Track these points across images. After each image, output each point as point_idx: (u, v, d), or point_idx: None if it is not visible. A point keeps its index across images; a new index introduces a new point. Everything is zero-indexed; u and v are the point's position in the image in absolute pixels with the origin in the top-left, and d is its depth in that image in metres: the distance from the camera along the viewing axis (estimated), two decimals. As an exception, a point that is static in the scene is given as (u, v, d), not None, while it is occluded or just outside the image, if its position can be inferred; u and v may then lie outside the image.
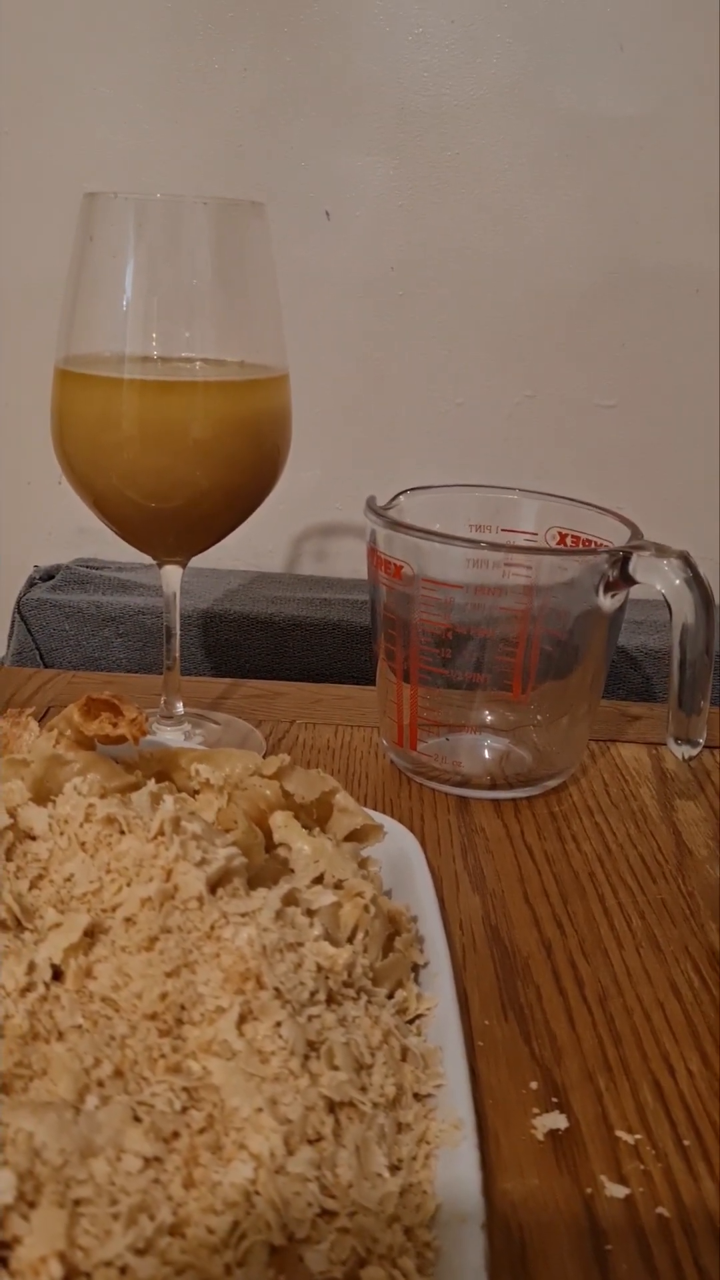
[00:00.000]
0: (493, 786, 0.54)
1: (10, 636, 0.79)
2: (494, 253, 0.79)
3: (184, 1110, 0.27)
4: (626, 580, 0.50)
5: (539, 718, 0.56)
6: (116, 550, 0.88)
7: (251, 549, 0.86)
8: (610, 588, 0.51)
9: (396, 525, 0.52)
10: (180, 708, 0.57)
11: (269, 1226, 0.25)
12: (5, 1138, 0.25)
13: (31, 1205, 0.24)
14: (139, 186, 0.78)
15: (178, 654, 0.57)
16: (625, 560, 0.50)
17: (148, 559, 0.83)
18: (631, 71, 0.75)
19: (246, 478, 0.52)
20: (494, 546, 0.52)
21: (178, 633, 0.56)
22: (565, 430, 0.83)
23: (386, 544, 0.53)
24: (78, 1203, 0.24)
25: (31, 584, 0.80)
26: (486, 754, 0.57)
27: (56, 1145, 0.25)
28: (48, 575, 0.81)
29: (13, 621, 0.78)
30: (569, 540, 0.56)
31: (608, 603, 0.51)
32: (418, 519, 0.54)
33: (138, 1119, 0.26)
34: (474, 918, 0.44)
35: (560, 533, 0.56)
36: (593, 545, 0.54)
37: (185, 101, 0.77)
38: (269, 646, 0.75)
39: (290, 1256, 0.25)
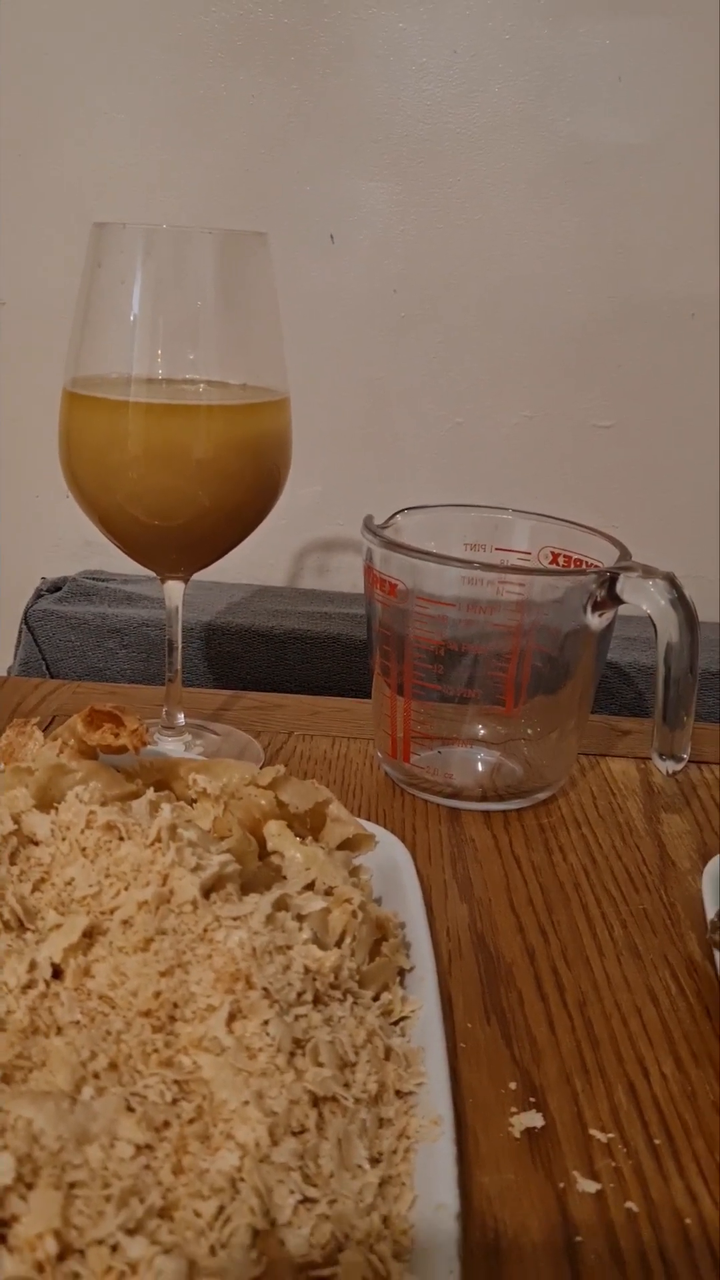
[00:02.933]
0: (483, 798, 0.56)
1: (17, 647, 0.80)
2: (494, 276, 0.81)
3: (174, 1102, 0.29)
4: (614, 600, 0.52)
5: (529, 732, 0.57)
6: (122, 563, 0.89)
7: (253, 563, 0.88)
8: (598, 607, 0.52)
9: (392, 545, 0.54)
10: (181, 719, 0.59)
11: (253, 1211, 0.27)
12: (5, 1124, 0.26)
13: (29, 1187, 0.25)
14: (149, 210, 0.81)
15: (179, 666, 0.58)
16: (613, 581, 0.52)
17: (152, 573, 0.85)
18: (629, 101, 0.77)
19: (248, 497, 0.54)
20: (486, 566, 0.53)
21: (179, 646, 0.58)
22: (563, 450, 0.85)
23: (383, 563, 0.55)
24: (73, 1185, 0.26)
25: (39, 595, 0.82)
26: (479, 766, 0.58)
27: (54, 1132, 0.27)
28: (54, 587, 0.82)
29: (20, 632, 0.80)
30: (561, 560, 0.57)
31: (596, 621, 0.53)
32: (414, 538, 0.56)
33: (131, 1109, 0.28)
34: (461, 925, 0.46)
35: (553, 552, 0.58)
36: (583, 565, 0.56)
37: (194, 128, 0.79)
38: (269, 658, 0.77)
39: (272, 1240, 0.27)
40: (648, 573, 0.51)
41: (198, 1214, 0.26)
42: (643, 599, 0.51)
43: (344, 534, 0.88)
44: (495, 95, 0.78)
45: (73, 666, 0.78)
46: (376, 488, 0.86)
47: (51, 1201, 0.25)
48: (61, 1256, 0.24)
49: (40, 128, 0.80)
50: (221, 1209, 0.27)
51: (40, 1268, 0.24)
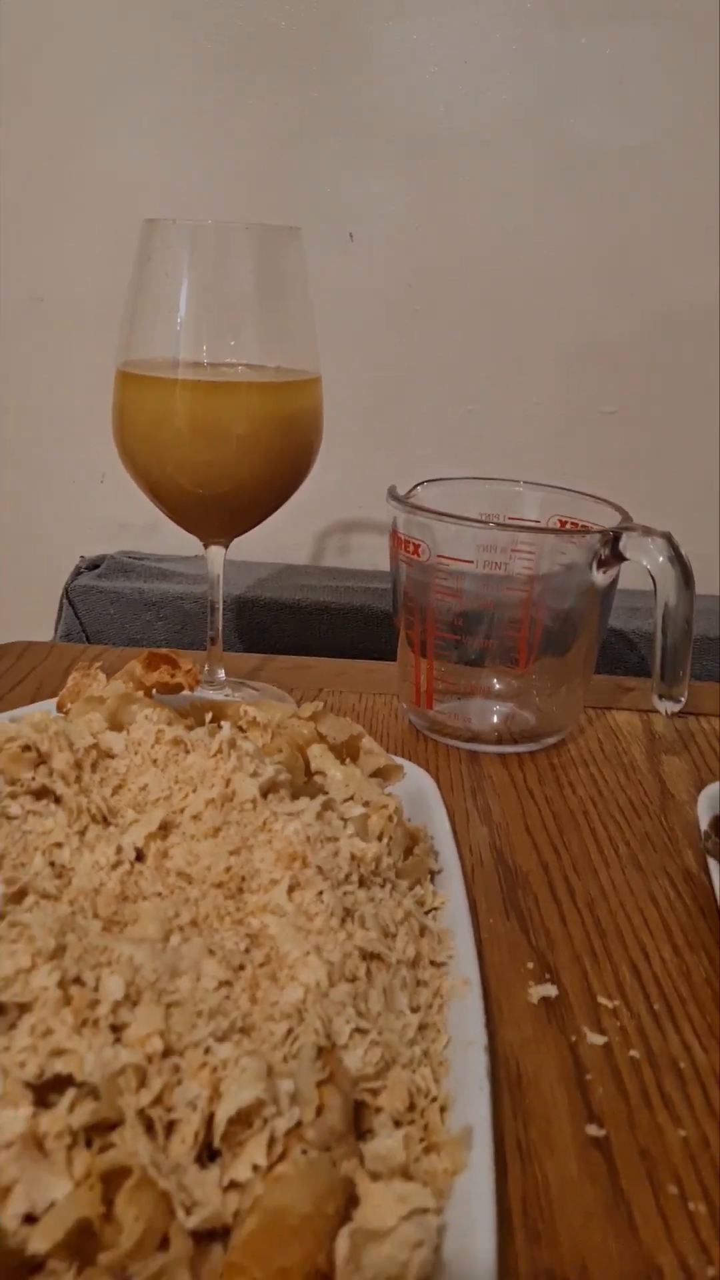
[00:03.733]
0: (499, 742, 0.61)
1: (58, 620, 0.86)
2: (503, 270, 0.87)
3: (247, 950, 0.34)
4: (617, 557, 0.57)
5: (541, 686, 0.62)
6: (152, 543, 0.95)
7: (279, 543, 0.93)
8: (603, 564, 0.58)
9: (415, 509, 0.59)
10: (222, 674, 0.64)
11: (316, 1033, 0.32)
12: (111, 958, 0.32)
13: (134, 1005, 0.31)
14: (177, 209, 0.86)
15: (220, 627, 0.64)
16: (616, 539, 0.57)
17: (185, 551, 0.91)
18: (631, 104, 0.82)
19: (283, 468, 0.59)
20: (500, 526, 0.59)
21: (220, 607, 0.63)
22: (568, 434, 0.90)
23: (406, 527, 0.60)
24: (170, 1005, 0.31)
25: (78, 572, 0.87)
26: (494, 717, 0.63)
27: (150, 965, 0.32)
28: (93, 564, 0.88)
29: (61, 606, 0.85)
30: (568, 526, 0.62)
31: (601, 578, 0.58)
32: (433, 507, 0.61)
33: (212, 953, 0.33)
34: (482, 843, 0.51)
35: (560, 519, 0.63)
36: (587, 528, 0.61)
37: (220, 132, 0.85)
38: (297, 629, 0.82)
39: (333, 1056, 0.32)
40: (647, 532, 0.56)
41: (272, 1032, 0.32)
42: (643, 555, 0.56)
43: (363, 515, 0.93)
44: (503, 100, 0.83)
45: (112, 638, 0.84)
46: (393, 472, 0.91)
47: (155, 1012, 0.30)
48: (165, 1054, 0.30)
49: (75, 132, 0.86)
50: (291, 1030, 0.32)
51: (150, 1059, 0.29)
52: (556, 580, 0.59)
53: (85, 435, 0.92)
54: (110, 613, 0.84)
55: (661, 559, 0.56)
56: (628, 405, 0.89)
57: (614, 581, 0.60)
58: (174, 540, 0.93)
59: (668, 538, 0.56)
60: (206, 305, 0.56)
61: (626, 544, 0.57)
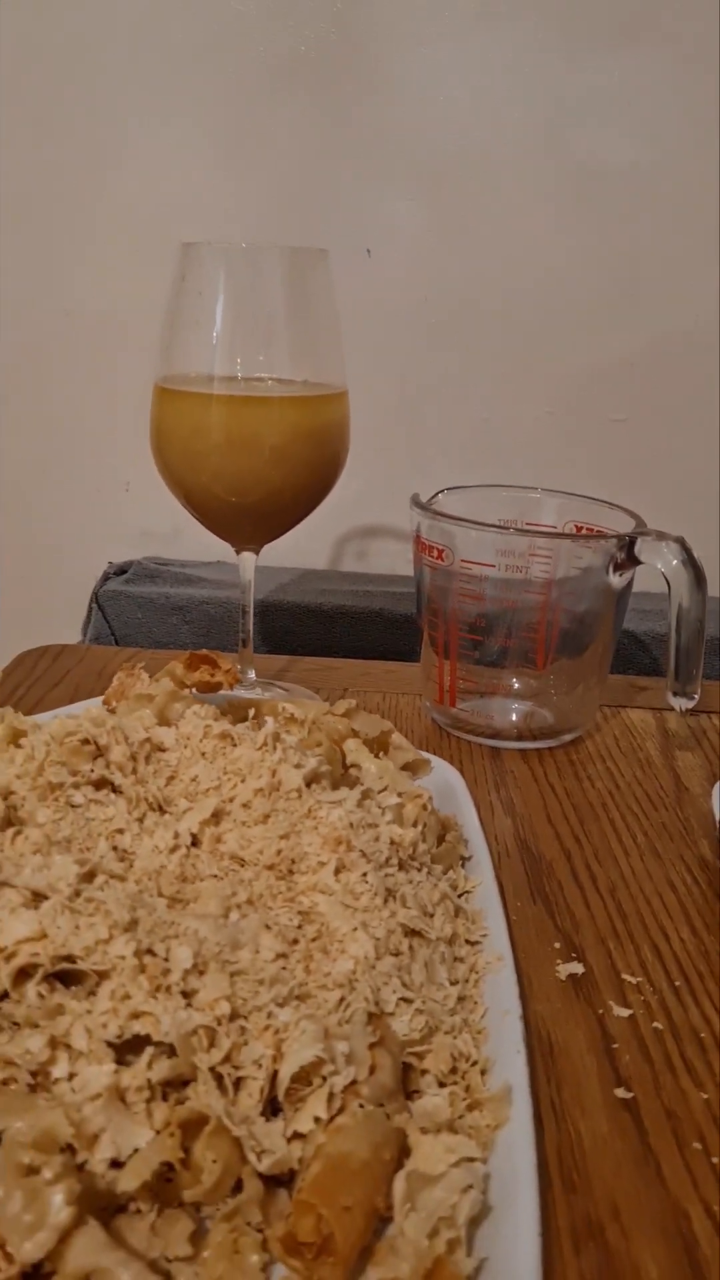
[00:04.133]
0: (519, 738, 0.64)
1: (87, 623, 0.89)
2: (515, 285, 0.89)
3: (300, 926, 0.37)
4: (632, 561, 0.60)
5: (558, 685, 0.65)
6: (175, 549, 0.98)
7: (300, 549, 0.96)
8: (619, 568, 0.60)
9: (438, 515, 0.62)
10: (253, 675, 0.67)
11: (367, 1000, 0.35)
12: (178, 931, 0.34)
13: (201, 974, 0.33)
14: (204, 229, 0.89)
15: (251, 629, 0.66)
16: (631, 544, 0.60)
17: (207, 556, 0.94)
18: (636, 125, 0.85)
19: (313, 478, 0.62)
20: (520, 532, 0.61)
21: (252, 611, 0.66)
22: (580, 442, 0.93)
23: (429, 532, 0.63)
24: (234, 974, 0.34)
25: (106, 578, 0.90)
26: (514, 715, 0.66)
27: (214, 938, 0.35)
28: (121, 570, 0.91)
29: (90, 610, 0.88)
30: (584, 531, 0.65)
31: (616, 581, 0.61)
32: (455, 514, 0.64)
33: (268, 927, 0.36)
34: (507, 833, 0.54)
35: (576, 525, 0.66)
36: (603, 533, 0.64)
37: (245, 153, 0.88)
38: (319, 631, 0.85)
39: (382, 1022, 0.35)
40: (661, 536, 0.59)
41: (325, 1000, 0.34)
42: (657, 559, 0.59)
43: (382, 522, 0.96)
44: (515, 122, 0.86)
45: (139, 640, 0.87)
46: (410, 480, 0.93)
47: (221, 980, 0.33)
48: (231, 1018, 0.32)
49: (106, 155, 0.89)
50: (343, 998, 0.35)
51: (219, 1022, 0.32)
52: (573, 583, 0.62)
53: (112, 445, 0.95)
54: (138, 617, 0.86)
55: (675, 562, 0.59)
56: (637, 413, 0.92)
57: (629, 584, 0.62)
58: (195, 546, 0.96)
59: (681, 542, 0.59)
60: (240, 323, 0.59)
61: (641, 548, 0.59)
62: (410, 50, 0.85)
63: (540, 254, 0.89)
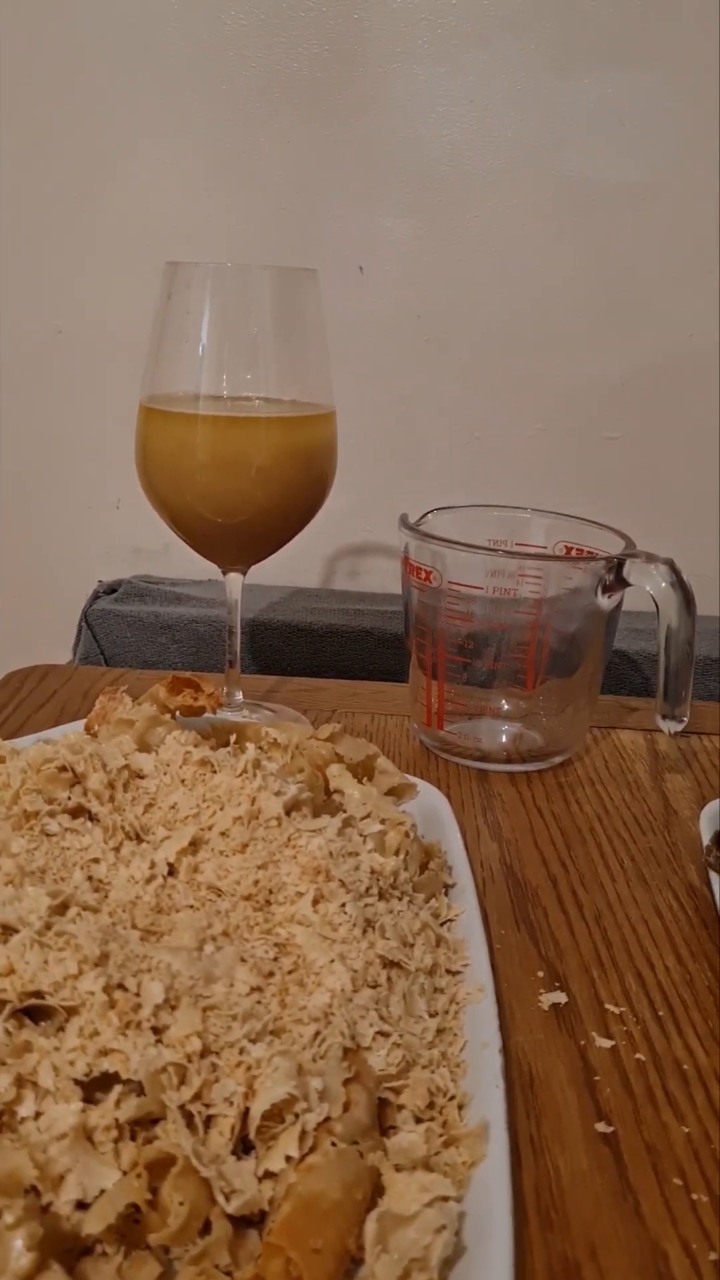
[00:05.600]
0: (508, 761, 0.63)
1: (77, 642, 0.88)
2: (508, 302, 0.89)
3: (276, 959, 0.37)
4: (621, 583, 0.60)
5: (547, 706, 0.65)
6: (165, 567, 0.98)
7: (290, 567, 0.96)
8: (608, 590, 0.60)
9: (426, 536, 0.61)
10: (240, 696, 0.67)
11: (342, 1035, 0.34)
12: (150, 965, 0.34)
13: (173, 1008, 0.33)
14: (194, 247, 0.89)
15: (239, 650, 0.66)
16: (620, 565, 0.59)
17: (196, 574, 0.93)
18: (631, 144, 0.85)
19: (300, 498, 0.61)
20: (508, 554, 0.61)
21: (239, 632, 0.66)
22: (573, 459, 0.93)
23: (417, 553, 0.62)
24: (206, 1009, 0.33)
25: (96, 596, 0.89)
26: (503, 737, 0.66)
27: (187, 972, 0.34)
28: (111, 589, 0.90)
29: (79, 629, 0.88)
30: (573, 552, 0.65)
31: (606, 603, 0.61)
32: (444, 534, 0.63)
33: (244, 960, 0.36)
34: (492, 858, 0.53)
35: (566, 545, 0.66)
36: (593, 555, 0.63)
37: (236, 171, 0.88)
38: (309, 651, 0.85)
39: (358, 1057, 0.34)
40: (650, 558, 0.59)
41: (300, 1035, 0.34)
42: (646, 581, 0.59)
43: (373, 539, 0.96)
44: (509, 139, 0.86)
45: (129, 660, 0.86)
46: (401, 497, 0.93)
47: (193, 1015, 0.32)
48: (203, 1054, 0.32)
49: (96, 174, 0.89)
50: (318, 1032, 0.34)
51: (189, 1058, 0.31)
52: (562, 604, 0.62)
53: (103, 462, 0.95)
54: (127, 636, 0.86)
55: (664, 584, 0.59)
56: (631, 431, 0.92)
57: (619, 605, 0.62)
58: (185, 564, 0.96)
59: (670, 564, 0.59)
60: (227, 343, 0.59)
61: (630, 570, 0.59)
62: (404, 68, 0.85)
63: (534, 271, 0.89)
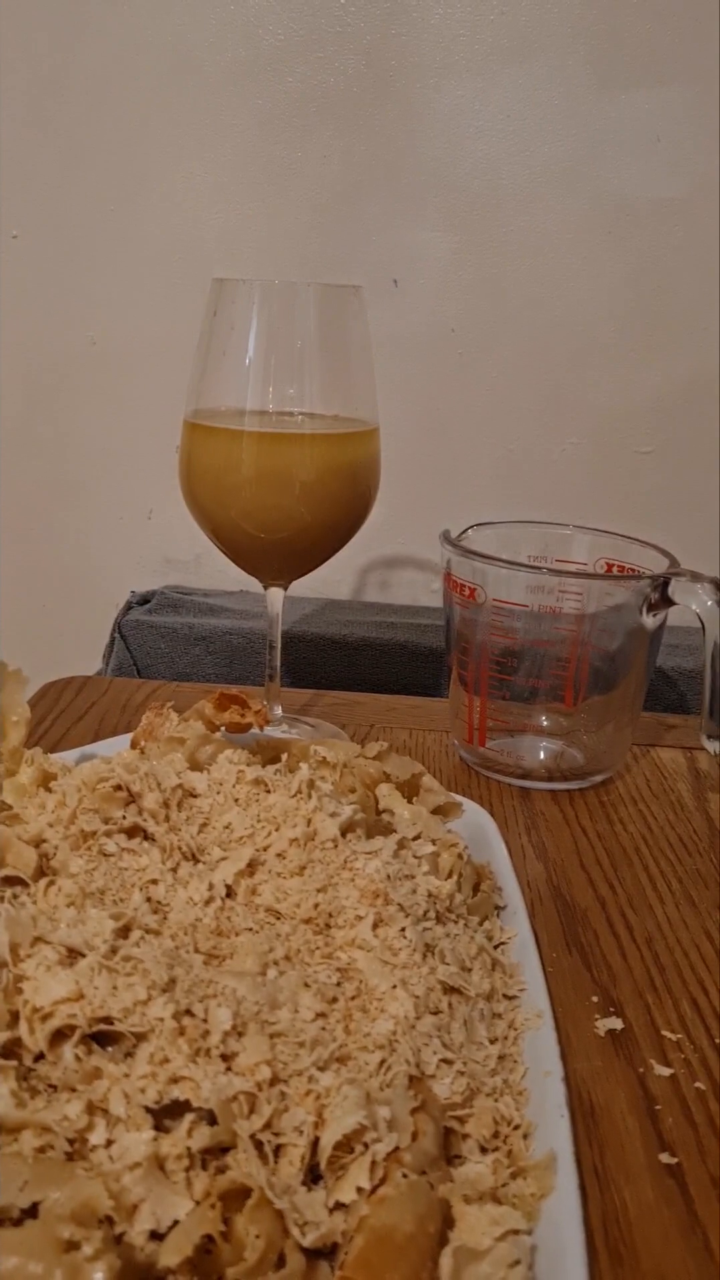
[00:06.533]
0: (549, 779, 0.63)
1: (109, 653, 0.88)
2: (543, 317, 0.89)
3: (339, 984, 0.36)
4: (666, 602, 0.59)
5: (588, 724, 0.64)
6: (196, 578, 0.98)
7: (322, 579, 0.95)
8: (652, 608, 0.60)
9: (469, 553, 0.61)
10: (279, 711, 0.67)
11: (408, 1063, 0.34)
12: (216, 991, 0.34)
13: (240, 1035, 0.33)
14: (233, 261, 0.89)
15: (279, 665, 0.66)
16: (665, 584, 0.59)
17: (228, 585, 0.93)
18: (666, 160, 0.85)
19: (343, 514, 0.61)
20: (553, 572, 0.61)
21: (279, 647, 0.65)
22: (606, 473, 0.92)
23: (459, 569, 0.62)
24: (273, 1035, 0.33)
25: (129, 607, 0.89)
26: (543, 754, 0.65)
27: (253, 998, 0.34)
28: (144, 599, 0.90)
29: (112, 640, 0.88)
30: (615, 569, 0.65)
31: (650, 621, 0.60)
32: (484, 549, 0.63)
33: (307, 985, 0.35)
34: (539, 879, 0.53)
35: (607, 562, 0.65)
36: (636, 572, 0.63)
37: (274, 185, 0.88)
38: (341, 663, 0.85)
39: (423, 1085, 0.34)
40: (696, 577, 0.58)
41: (366, 1063, 0.34)
42: (692, 600, 0.58)
43: (405, 552, 0.96)
44: (545, 155, 0.86)
45: (162, 671, 0.86)
46: (434, 510, 0.93)
47: (262, 1042, 0.32)
48: (272, 1082, 0.32)
49: (133, 187, 0.89)
50: (384, 1060, 0.34)
51: (259, 1087, 0.31)
52: (604, 621, 0.61)
53: (135, 473, 0.95)
54: (161, 647, 0.86)
55: (710, 603, 0.58)
56: (664, 445, 0.91)
57: (663, 624, 0.62)
58: (217, 575, 0.96)
59: (716, 583, 0.58)
60: (272, 359, 0.59)
61: (675, 589, 0.59)
62: (440, 83, 0.85)
63: (569, 287, 0.88)
